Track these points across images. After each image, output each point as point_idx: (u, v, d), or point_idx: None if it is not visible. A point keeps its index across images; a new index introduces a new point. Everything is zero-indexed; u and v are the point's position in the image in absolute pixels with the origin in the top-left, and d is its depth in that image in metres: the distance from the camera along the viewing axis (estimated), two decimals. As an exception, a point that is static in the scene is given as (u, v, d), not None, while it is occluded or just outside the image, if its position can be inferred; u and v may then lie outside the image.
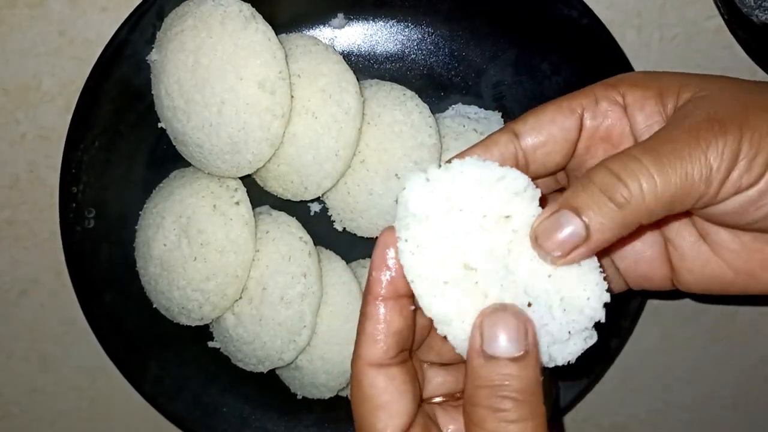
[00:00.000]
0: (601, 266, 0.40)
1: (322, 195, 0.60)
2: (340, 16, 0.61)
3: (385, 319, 0.40)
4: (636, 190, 0.37)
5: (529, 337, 0.37)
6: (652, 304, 0.67)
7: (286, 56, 0.55)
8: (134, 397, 0.64)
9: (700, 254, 0.45)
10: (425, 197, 0.38)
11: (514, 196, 0.39)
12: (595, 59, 0.59)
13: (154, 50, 0.57)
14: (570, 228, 0.37)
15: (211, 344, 0.62)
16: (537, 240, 0.38)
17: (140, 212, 0.61)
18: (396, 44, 0.62)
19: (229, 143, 0.55)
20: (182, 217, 0.58)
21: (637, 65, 0.60)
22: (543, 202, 0.40)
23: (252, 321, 0.58)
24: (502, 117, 0.62)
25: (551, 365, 0.39)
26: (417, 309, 0.41)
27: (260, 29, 0.54)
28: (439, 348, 0.44)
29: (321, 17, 0.61)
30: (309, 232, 0.60)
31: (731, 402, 0.72)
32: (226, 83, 0.53)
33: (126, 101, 0.59)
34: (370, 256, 0.62)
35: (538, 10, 0.59)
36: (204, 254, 0.57)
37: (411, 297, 0.41)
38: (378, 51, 0.62)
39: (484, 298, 0.38)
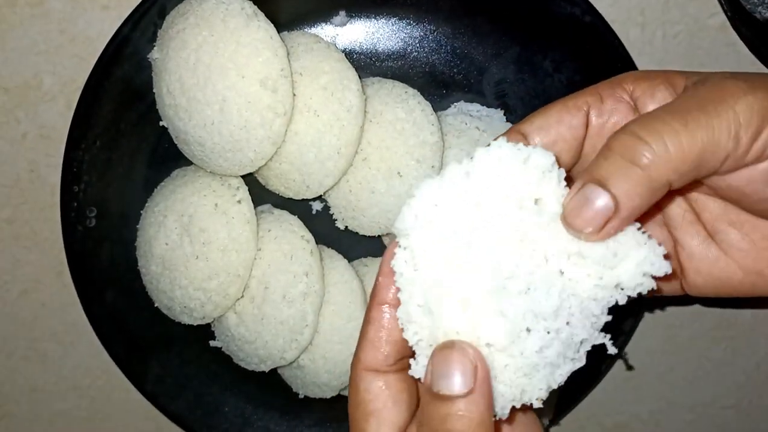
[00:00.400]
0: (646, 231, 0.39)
1: (324, 193, 0.60)
2: (342, 13, 0.61)
3: (388, 326, 0.40)
4: (660, 149, 0.36)
5: (478, 375, 0.36)
6: (653, 304, 0.67)
7: (288, 54, 0.55)
8: (135, 397, 0.64)
9: (709, 253, 0.44)
10: (432, 205, 0.38)
11: (542, 176, 0.38)
12: (597, 57, 0.59)
13: (155, 48, 0.57)
14: (598, 202, 0.36)
15: (212, 343, 0.62)
16: (567, 219, 0.37)
17: (142, 211, 0.61)
18: (398, 42, 0.62)
19: (230, 141, 0.55)
20: (184, 215, 0.57)
21: (640, 63, 0.60)
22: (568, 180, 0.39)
23: (254, 320, 0.58)
24: (504, 115, 0.61)
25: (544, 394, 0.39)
26: None
27: (262, 27, 0.54)
28: None
29: (323, 15, 0.61)
30: (311, 231, 0.60)
31: (733, 402, 0.72)
32: (228, 81, 0.53)
33: (127, 100, 0.59)
34: (372, 255, 0.63)
35: (540, 7, 0.59)
36: (206, 253, 0.56)
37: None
38: (380, 49, 0.62)
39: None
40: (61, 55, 0.62)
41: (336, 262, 0.60)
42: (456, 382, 0.36)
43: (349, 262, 0.61)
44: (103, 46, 0.58)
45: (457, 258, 0.37)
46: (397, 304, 0.39)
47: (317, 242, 0.60)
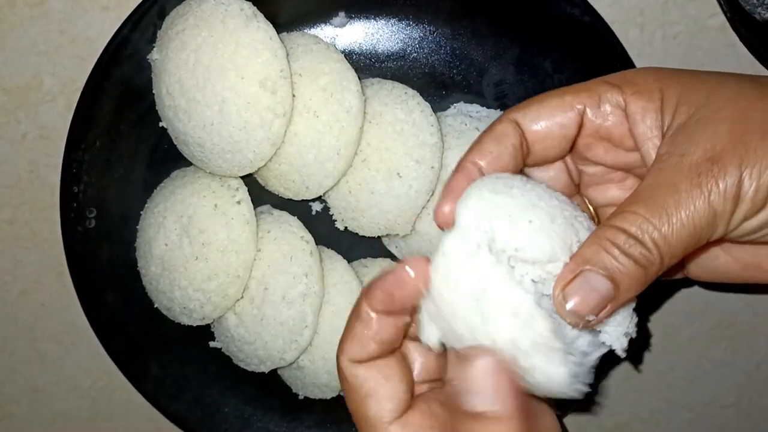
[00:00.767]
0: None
1: (324, 194, 0.59)
2: (342, 14, 0.61)
3: (376, 329, 0.40)
4: (653, 251, 0.38)
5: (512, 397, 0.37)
6: (653, 304, 0.67)
7: (288, 55, 0.55)
8: (135, 397, 0.64)
9: (708, 251, 0.45)
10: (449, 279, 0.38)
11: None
12: (597, 57, 0.59)
13: (155, 49, 0.57)
14: (601, 288, 0.37)
15: (212, 344, 0.62)
16: (567, 300, 0.38)
17: (141, 212, 0.61)
18: (397, 43, 0.62)
19: (230, 142, 0.55)
20: (183, 216, 0.57)
21: (640, 63, 0.60)
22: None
23: (253, 321, 0.58)
24: (503, 116, 0.61)
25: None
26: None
27: (261, 28, 0.54)
28: None
29: (322, 16, 0.61)
30: (310, 232, 0.60)
31: (733, 401, 0.72)
32: (228, 82, 0.53)
33: (127, 100, 0.59)
34: (372, 256, 0.63)
35: (540, 8, 0.59)
36: (205, 254, 0.57)
37: (409, 313, 0.41)
38: (379, 50, 0.62)
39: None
40: (61, 56, 0.62)
41: (336, 262, 0.60)
42: (489, 401, 0.36)
43: (348, 262, 0.61)
44: (103, 47, 0.58)
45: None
46: (388, 313, 0.39)
47: (317, 243, 0.60)
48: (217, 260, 0.57)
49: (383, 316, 0.40)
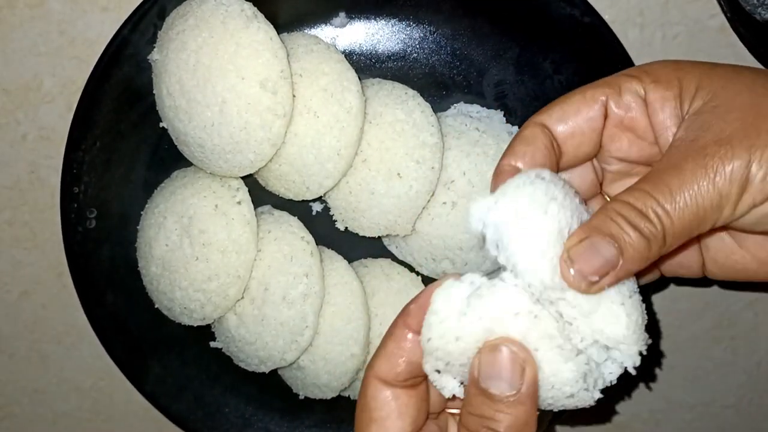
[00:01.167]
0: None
1: (324, 194, 0.59)
2: (342, 15, 0.61)
3: (408, 348, 0.40)
4: (657, 226, 0.38)
5: (526, 379, 0.37)
6: (654, 303, 0.67)
7: (288, 55, 0.55)
8: (136, 398, 0.64)
9: (725, 245, 0.45)
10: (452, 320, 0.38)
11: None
12: (597, 58, 0.59)
13: (155, 50, 0.57)
14: (606, 252, 0.38)
15: (213, 344, 0.62)
16: (573, 262, 0.38)
17: (142, 212, 0.61)
18: (398, 43, 0.62)
19: (230, 143, 0.55)
20: (184, 217, 0.57)
21: (640, 64, 0.60)
22: None
23: (254, 321, 0.58)
24: (504, 116, 0.61)
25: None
26: None
27: (262, 28, 0.54)
28: None
29: (322, 16, 0.61)
30: (311, 232, 0.60)
31: (734, 401, 0.72)
32: (228, 83, 0.53)
33: (127, 101, 0.59)
34: (372, 256, 0.63)
35: (540, 8, 0.59)
36: (206, 254, 0.57)
37: None
38: (380, 50, 0.62)
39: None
40: (61, 57, 0.62)
41: (336, 263, 0.60)
42: (504, 384, 0.37)
43: (349, 263, 0.61)
44: (103, 48, 0.58)
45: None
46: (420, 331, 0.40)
47: (317, 243, 0.60)
48: (217, 260, 0.57)
49: (417, 335, 0.40)
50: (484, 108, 0.62)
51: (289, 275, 0.58)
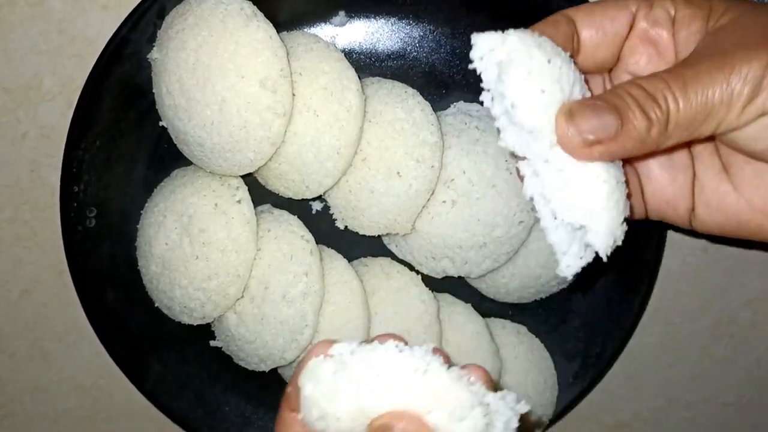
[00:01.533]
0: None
1: (324, 193, 0.59)
2: (342, 14, 0.61)
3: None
4: (663, 110, 0.38)
5: None
6: (654, 302, 0.67)
7: (288, 54, 0.55)
8: (136, 396, 0.64)
9: (720, 186, 0.45)
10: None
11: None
12: (597, 56, 0.59)
13: (155, 48, 0.57)
14: (607, 119, 0.38)
15: (213, 343, 0.62)
16: (572, 116, 0.38)
17: (141, 211, 0.61)
18: (397, 42, 0.62)
19: (230, 142, 0.55)
20: (184, 215, 0.58)
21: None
22: None
23: (254, 320, 0.58)
24: (504, 114, 0.61)
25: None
26: None
27: (261, 27, 0.54)
28: None
29: (322, 15, 0.61)
30: (310, 231, 0.60)
31: (734, 399, 0.72)
32: (227, 81, 0.53)
33: (127, 100, 0.59)
34: (372, 255, 0.63)
35: (540, 7, 0.59)
36: (206, 253, 0.57)
37: None
38: (379, 49, 0.62)
39: None
40: (61, 55, 0.62)
41: (336, 261, 0.61)
42: None
43: (349, 261, 0.61)
44: (103, 46, 0.58)
45: None
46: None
47: (317, 242, 0.60)
48: (217, 259, 0.57)
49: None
50: (484, 107, 0.61)
51: (289, 274, 0.58)
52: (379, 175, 0.57)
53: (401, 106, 0.58)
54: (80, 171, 0.59)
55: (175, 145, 0.59)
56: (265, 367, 0.60)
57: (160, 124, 0.58)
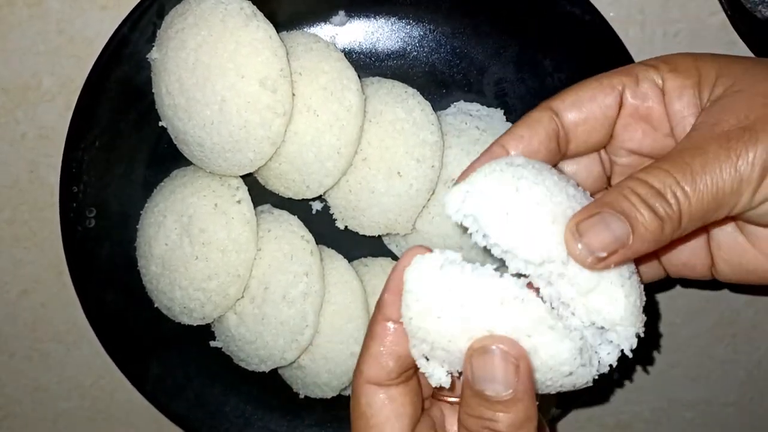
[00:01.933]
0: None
1: (324, 193, 0.59)
2: (341, 13, 0.61)
3: (392, 342, 0.40)
4: (674, 207, 0.37)
5: (521, 376, 0.36)
6: (655, 302, 0.67)
7: (287, 54, 0.55)
8: (136, 397, 0.64)
9: (737, 245, 0.45)
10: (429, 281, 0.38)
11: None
12: (597, 56, 0.59)
13: (154, 48, 0.56)
14: (617, 229, 0.37)
15: (213, 344, 0.62)
16: (581, 234, 0.37)
17: (141, 211, 0.61)
18: (397, 41, 0.61)
19: (230, 141, 0.55)
20: (183, 216, 0.57)
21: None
22: None
23: (254, 320, 0.58)
24: (504, 114, 0.61)
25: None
26: None
27: (261, 27, 0.54)
28: None
29: (322, 15, 0.61)
30: (311, 231, 0.60)
31: (735, 399, 0.72)
32: (227, 81, 0.53)
33: (126, 100, 0.59)
34: (372, 255, 0.63)
35: (540, 6, 0.59)
36: (206, 253, 0.56)
37: None
38: (379, 48, 0.62)
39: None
40: (59, 56, 0.62)
41: (336, 262, 0.60)
42: (499, 386, 0.36)
43: (349, 262, 0.61)
44: (102, 47, 0.58)
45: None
46: (401, 321, 0.39)
47: (317, 242, 0.60)
48: (217, 259, 0.56)
49: (399, 324, 0.39)
50: (485, 106, 0.61)
51: (289, 274, 0.57)
52: (379, 174, 0.57)
53: (401, 106, 0.58)
54: (80, 171, 0.59)
55: (175, 145, 0.59)
56: (265, 368, 0.60)
57: (160, 124, 0.58)
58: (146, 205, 0.60)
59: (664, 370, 0.71)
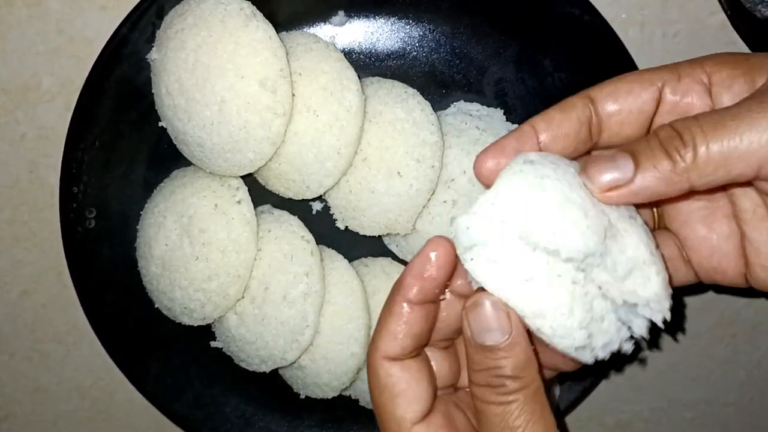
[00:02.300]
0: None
1: (324, 193, 0.59)
2: (341, 13, 0.61)
3: (409, 321, 0.42)
4: (690, 152, 0.38)
5: (512, 324, 0.39)
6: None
7: (287, 54, 0.55)
8: (137, 397, 0.64)
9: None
10: (484, 226, 0.39)
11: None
12: (597, 56, 0.59)
13: (154, 49, 0.56)
14: (621, 164, 0.39)
15: (213, 344, 0.62)
16: (588, 172, 0.39)
17: (141, 212, 0.60)
18: (397, 42, 0.61)
19: (230, 142, 0.55)
20: (184, 216, 0.57)
21: (640, 62, 0.60)
22: None
23: (254, 321, 0.58)
24: (504, 114, 0.61)
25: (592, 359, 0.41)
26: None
27: (261, 27, 0.54)
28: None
29: (321, 15, 0.61)
30: (311, 231, 0.60)
31: (735, 399, 0.72)
32: (227, 82, 0.53)
33: (126, 100, 0.59)
34: (372, 255, 0.63)
35: (540, 6, 0.59)
36: (206, 254, 0.56)
37: (439, 303, 0.43)
38: (379, 48, 0.62)
39: (571, 285, 0.39)
40: (59, 56, 0.62)
41: (336, 262, 0.60)
42: (496, 334, 0.39)
43: (349, 262, 0.61)
44: (102, 47, 0.58)
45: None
46: (421, 302, 0.41)
47: (317, 242, 0.60)
48: (217, 260, 0.56)
49: (415, 306, 0.41)
50: (485, 106, 0.62)
51: (290, 274, 0.57)
52: (379, 175, 0.57)
53: (401, 106, 0.58)
54: (80, 172, 0.59)
55: (175, 145, 0.58)
56: (265, 368, 0.60)
57: (160, 124, 0.58)
58: (146, 205, 0.60)
59: (664, 370, 0.71)
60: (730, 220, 0.45)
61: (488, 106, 0.62)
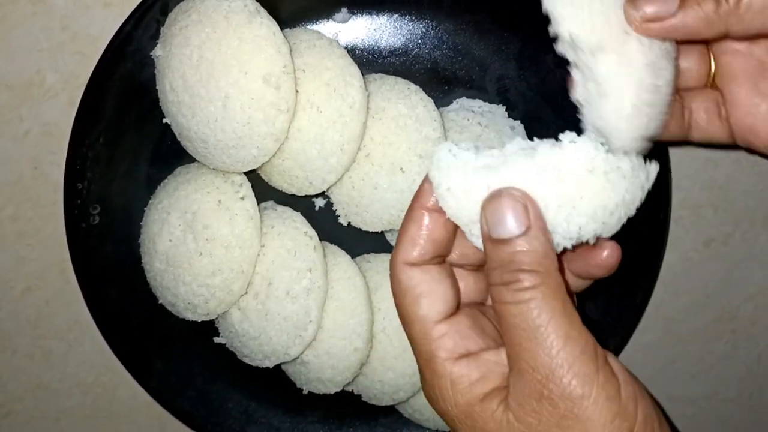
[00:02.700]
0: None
1: (327, 189, 0.60)
2: (344, 10, 0.61)
3: (428, 227, 0.42)
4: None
5: (530, 213, 0.38)
6: (655, 298, 0.67)
7: (291, 51, 0.55)
8: (139, 393, 0.64)
9: (752, 101, 0.46)
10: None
11: None
12: (599, 52, 0.59)
13: (158, 45, 0.57)
14: (668, 2, 0.39)
15: (216, 340, 0.62)
16: (635, 1, 0.40)
17: (145, 208, 0.61)
18: (400, 38, 0.62)
19: (233, 138, 0.55)
20: (187, 212, 0.58)
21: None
22: None
23: (258, 316, 0.58)
24: (506, 110, 0.62)
25: None
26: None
27: (264, 24, 0.54)
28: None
29: (325, 12, 0.61)
30: (314, 227, 0.60)
31: (734, 395, 0.72)
32: (231, 78, 0.53)
33: (130, 97, 0.59)
34: (375, 251, 0.63)
35: (541, 3, 0.59)
36: (209, 250, 0.57)
37: None
38: (382, 45, 0.62)
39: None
40: (63, 53, 0.62)
41: (339, 258, 0.61)
42: (511, 225, 0.38)
43: (352, 258, 0.61)
44: (106, 44, 0.58)
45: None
46: (439, 210, 0.42)
47: (320, 238, 0.60)
48: (221, 256, 0.57)
49: (433, 212, 0.42)
50: (487, 103, 0.62)
51: (293, 270, 0.58)
52: (382, 171, 0.58)
53: (404, 103, 0.58)
54: (84, 168, 0.59)
55: (179, 142, 0.59)
56: (269, 363, 0.60)
57: (164, 121, 0.58)
58: (150, 201, 0.61)
59: (664, 366, 0.71)
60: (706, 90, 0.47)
61: (490, 102, 0.62)
